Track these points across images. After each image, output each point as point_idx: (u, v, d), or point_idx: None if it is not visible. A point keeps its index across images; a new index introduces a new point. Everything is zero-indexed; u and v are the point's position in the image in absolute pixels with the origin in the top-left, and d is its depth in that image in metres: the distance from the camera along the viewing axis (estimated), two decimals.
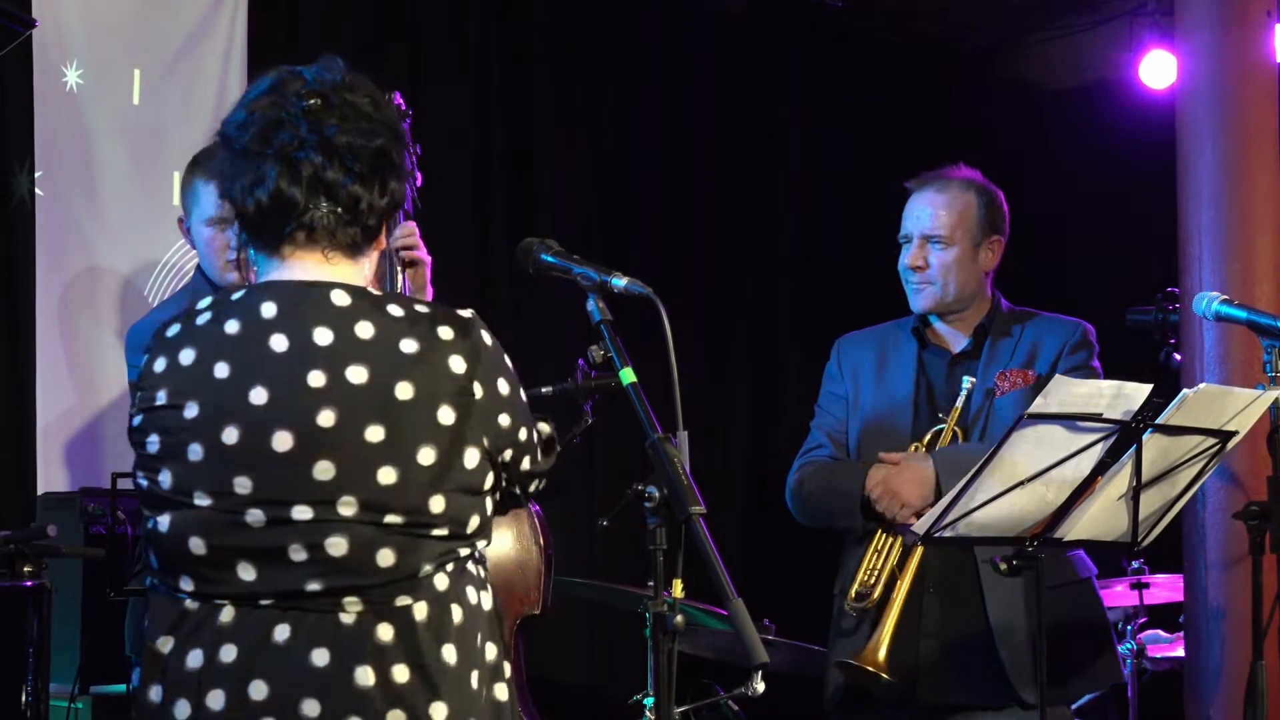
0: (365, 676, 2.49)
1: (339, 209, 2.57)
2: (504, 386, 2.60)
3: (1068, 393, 3.77)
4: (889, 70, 6.42)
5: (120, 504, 4.03)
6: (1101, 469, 3.83)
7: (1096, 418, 3.76)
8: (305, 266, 2.59)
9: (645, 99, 6.19)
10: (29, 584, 3.70)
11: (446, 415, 2.53)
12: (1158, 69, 5.86)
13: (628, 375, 2.79)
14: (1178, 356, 4.92)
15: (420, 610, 2.54)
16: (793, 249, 6.40)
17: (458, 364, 2.55)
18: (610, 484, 5.83)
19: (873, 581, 4.29)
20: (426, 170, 4.66)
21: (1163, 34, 5.69)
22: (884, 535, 4.32)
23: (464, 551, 2.59)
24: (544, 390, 4.68)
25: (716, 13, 6.37)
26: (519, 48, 5.89)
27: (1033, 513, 3.85)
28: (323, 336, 2.52)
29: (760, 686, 2.93)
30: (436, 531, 2.54)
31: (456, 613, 2.57)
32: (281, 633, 2.50)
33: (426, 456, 2.52)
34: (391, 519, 2.51)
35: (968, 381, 4.36)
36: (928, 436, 4.37)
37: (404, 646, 2.52)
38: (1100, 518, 3.87)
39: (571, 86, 6.02)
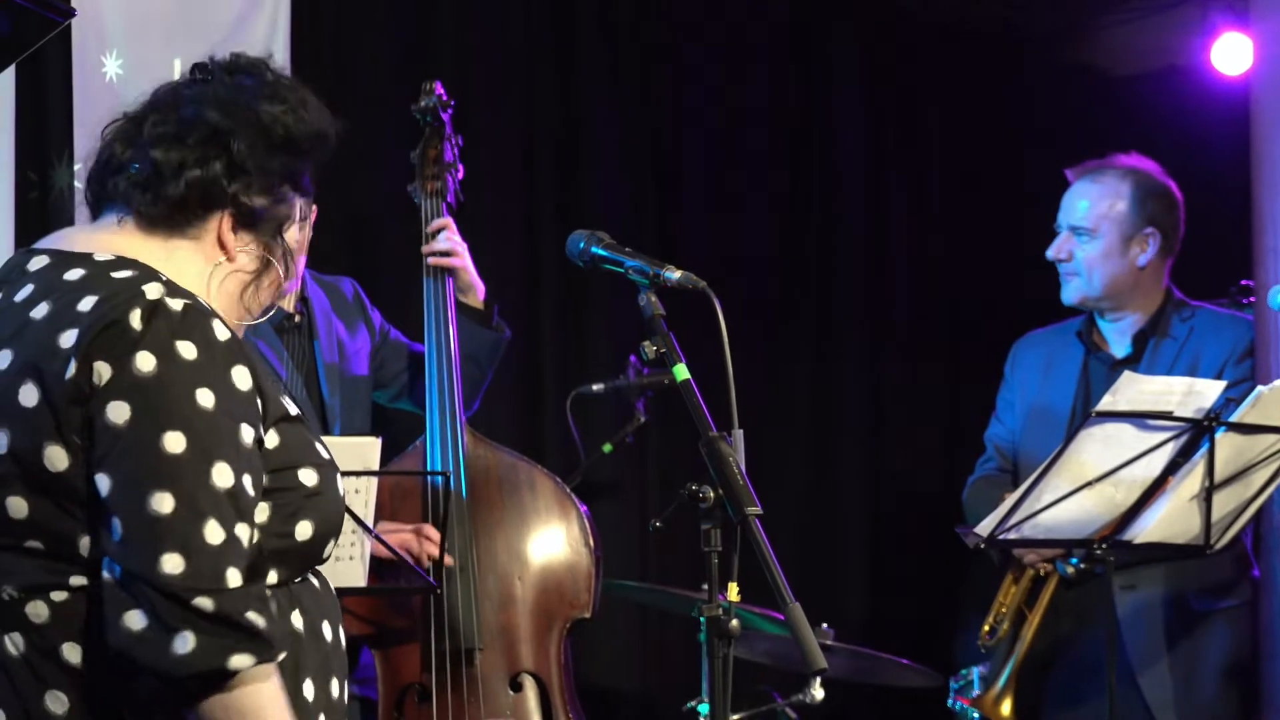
0: None
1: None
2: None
3: (1137, 390, 3.72)
4: (949, 56, 6.30)
5: None
6: (1173, 469, 3.78)
7: (1167, 415, 3.72)
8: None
9: (697, 88, 6.10)
10: None
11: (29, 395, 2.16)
12: (1231, 53, 5.71)
13: (681, 372, 2.72)
14: None
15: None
16: (852, 242, 6.30)
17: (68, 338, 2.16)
18: (663, 484, 5.75)
19: (1003, 615, 4.27)
20: (474, 163, 4.61)
21: (1237, 17, 5.56)
22: (1014, 569, 4.31)
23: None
24: (595, 387, 4.66)
25: None
26: (567, 36, 5.82)
27: (1101, 514, 3.81)
28: None
29: (819, 693, 2.89)
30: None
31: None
32: None
33: None
34: None
35: None
36: None
37: None
38: (1172, 519, 3.81)
39: (621, 75, 5.94)
